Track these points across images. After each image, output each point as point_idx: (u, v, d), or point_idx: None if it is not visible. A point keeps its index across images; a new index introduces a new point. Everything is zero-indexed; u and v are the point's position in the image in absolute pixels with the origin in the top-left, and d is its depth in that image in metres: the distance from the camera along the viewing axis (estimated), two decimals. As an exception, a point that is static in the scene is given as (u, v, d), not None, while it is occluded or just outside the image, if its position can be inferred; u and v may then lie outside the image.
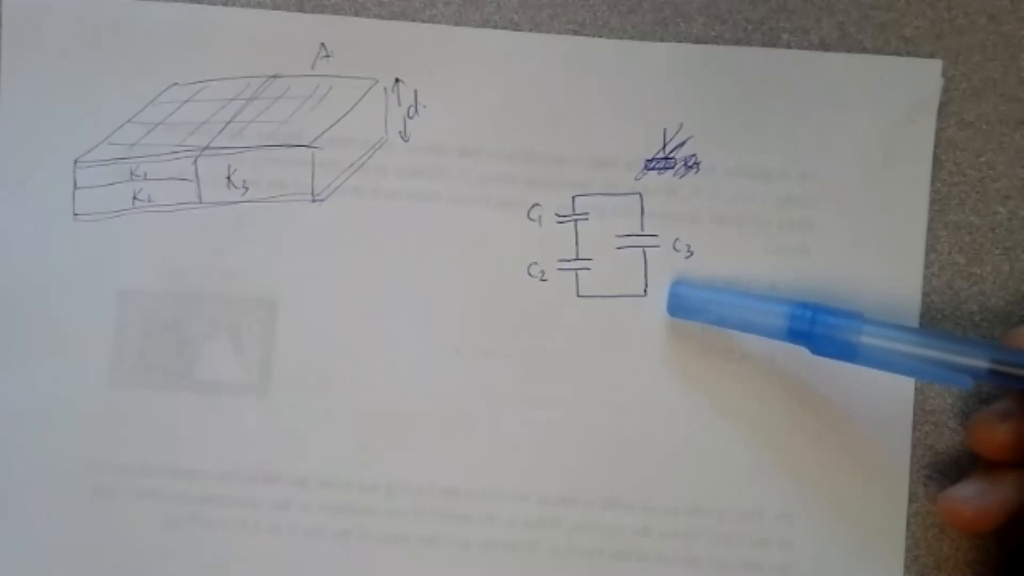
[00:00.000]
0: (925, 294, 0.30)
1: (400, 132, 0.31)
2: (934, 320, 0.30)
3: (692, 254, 0.30)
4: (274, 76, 0.31)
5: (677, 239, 0.30)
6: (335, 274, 0.30)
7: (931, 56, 0.31)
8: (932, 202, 0.30)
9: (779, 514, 0.30)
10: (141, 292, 0.30)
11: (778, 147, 0.30)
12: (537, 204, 0.30)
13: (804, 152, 0.30)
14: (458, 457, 0.30)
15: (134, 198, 0.30)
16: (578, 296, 0.30)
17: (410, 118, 0.31)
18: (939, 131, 0.30)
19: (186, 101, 0.31)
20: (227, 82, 0.31)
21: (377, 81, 0.31)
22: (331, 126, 0.30)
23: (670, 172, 0.30)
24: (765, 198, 0.30)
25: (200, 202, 0.31)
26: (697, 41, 0.31)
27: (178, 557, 0.30)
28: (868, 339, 0.27)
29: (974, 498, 0.27)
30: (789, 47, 0.31)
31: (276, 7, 0.31)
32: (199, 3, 0.31)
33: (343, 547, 0.30)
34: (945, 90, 0.31)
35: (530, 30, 0.31)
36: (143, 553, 0.30)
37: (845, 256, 0.30)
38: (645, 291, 0.30)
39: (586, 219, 0.30)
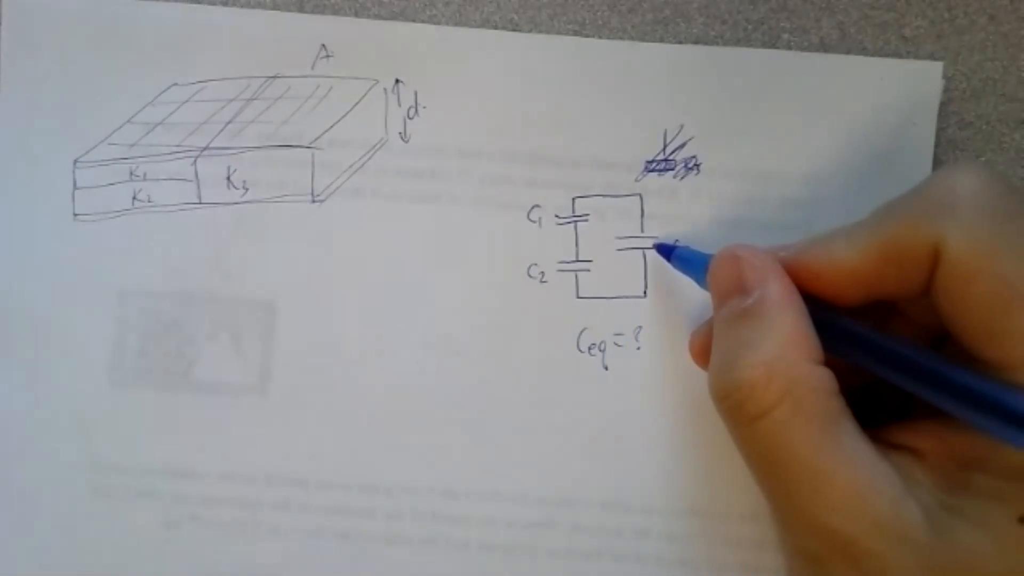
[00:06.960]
0: (925, 295, 0.30)
1: (400, 133, 0.30)
2: (934, 321, 0.30)
3: (692, 256, 0.30)
4: (274, 76, 0.31)
5: (677, 241, 0.30)
6: (335, 274, 0.30)
7: (931, 56, 0.31)
8: (932, 202, 0.30)
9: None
10: (141, 292, 0.30)
11: (779, 149, 0.30)
12: (537, 205, 0.30)
13: (805, 154, 0.30)
14: (457, 459, 0.30)
15: (134, 198, 0.30)
16: (578, 297, 0.30)
17: (410, 119, 0.30)
18: (939, 131, 0.30)
19: (186, 101, 0.30)
20: (227, 82, 0.31)
21: (377, 82, 0.30)
22: (331, 127, 0.30)
23: (670, 174, 0.30)
24: (766, 200, 0.30)
25: (200, 202, 0.30)
26: (697, 41, 0.31)
27: (178, 557, 0.30)
28: None
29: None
30: (789, 47, 0.31)
31: (276, 7, 0.31)
32: (199, 3, 0.31)
33: (342, 548, 0.30)
34: (945, 90, 0.30)
35: (530, 30, 0.31)
36: (143, 553, 0.30)
37: (845, 257, 0.30)
38: (645, 292, 0.30)
39: (586, 220, 0.30)
